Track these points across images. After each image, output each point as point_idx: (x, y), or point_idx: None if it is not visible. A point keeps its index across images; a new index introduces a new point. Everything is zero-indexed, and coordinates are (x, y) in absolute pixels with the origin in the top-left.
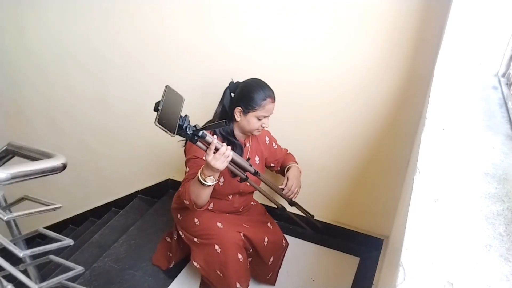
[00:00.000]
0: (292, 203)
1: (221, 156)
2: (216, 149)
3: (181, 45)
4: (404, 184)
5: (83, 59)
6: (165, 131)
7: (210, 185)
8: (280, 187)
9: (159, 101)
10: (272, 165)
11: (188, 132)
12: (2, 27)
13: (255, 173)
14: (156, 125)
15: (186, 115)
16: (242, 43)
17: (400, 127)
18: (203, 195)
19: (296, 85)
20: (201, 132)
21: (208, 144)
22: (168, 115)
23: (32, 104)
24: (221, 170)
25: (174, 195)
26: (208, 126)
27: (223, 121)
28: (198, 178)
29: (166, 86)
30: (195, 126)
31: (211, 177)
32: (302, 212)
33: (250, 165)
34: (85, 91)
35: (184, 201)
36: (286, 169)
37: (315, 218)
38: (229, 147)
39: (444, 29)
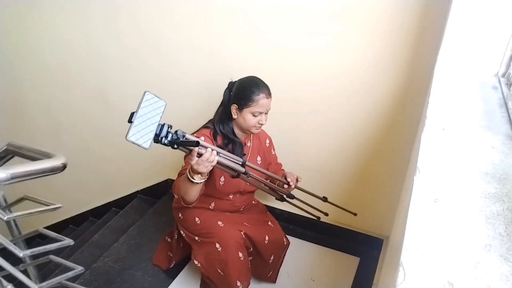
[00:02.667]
0: (291, 196)
1: (203, 162)
2: (200, 154)
3: (183, 44)
4: (404, 184)
5: (84, 59)
6: (138, 145)
7: (198, 183)
8: (285, 186)
9: (134, 112)
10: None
11: (165, 142)
12: (2, 26)
13: (245, 173)
14: (128, 141)
15: (164, 124)
16: (244, 43)
17: (400, 127)
18: (191, 192)
19: (296, 86)
20: (175, 145)
21: (190, 150)
22: (143, 126)
23: (32, 104)
24: (205, 173)
25: None
26: (181, 142)
27: (194, 141)
28: (187, 175)
29: (145, 93)
30: (176, 132)
31: (199, 176)
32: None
33: (243, 163)
34: (85, 91)
35: (174, 194)
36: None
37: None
38: (214, 152)
39: (444, 29)
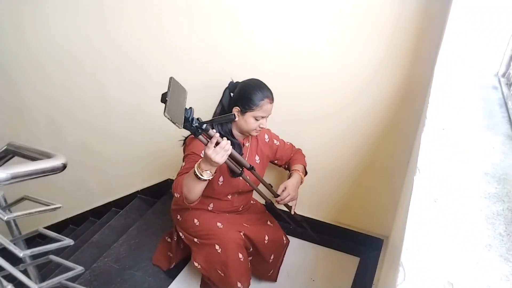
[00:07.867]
0: (296, 219)
1: (221, 150)
2: (217, 143)
3: (181, 45)
4: (404, 184)
5: (83, 60)
6: (173, 122)
7: (205, 180)
8: (277, 194)
9: (166, 92)
10: (275, 161)
11: (194, 125)
12: (1, 28)
13: (251, 168)
14: (165, 116)
15: (191, 108)
16: (242, 43)
17: (400, 127)
18: (196, 190)
19: (296, 86)
20: (205, 125)
21: (210, 137)
22: (174, 107)
23: (32, 104)
24: (220, 164)
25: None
26: (215, 119)
27: (230, 114)
28: (194, 172)
29: (171, 78)
30: (198, 119)
31: (208, 172)
32: (299, 225)
33: (251, 168)
34: (84, 91)
35: (175, 194)
36: (288, 175)
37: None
38: (229, 142)
39: (444, 29)
